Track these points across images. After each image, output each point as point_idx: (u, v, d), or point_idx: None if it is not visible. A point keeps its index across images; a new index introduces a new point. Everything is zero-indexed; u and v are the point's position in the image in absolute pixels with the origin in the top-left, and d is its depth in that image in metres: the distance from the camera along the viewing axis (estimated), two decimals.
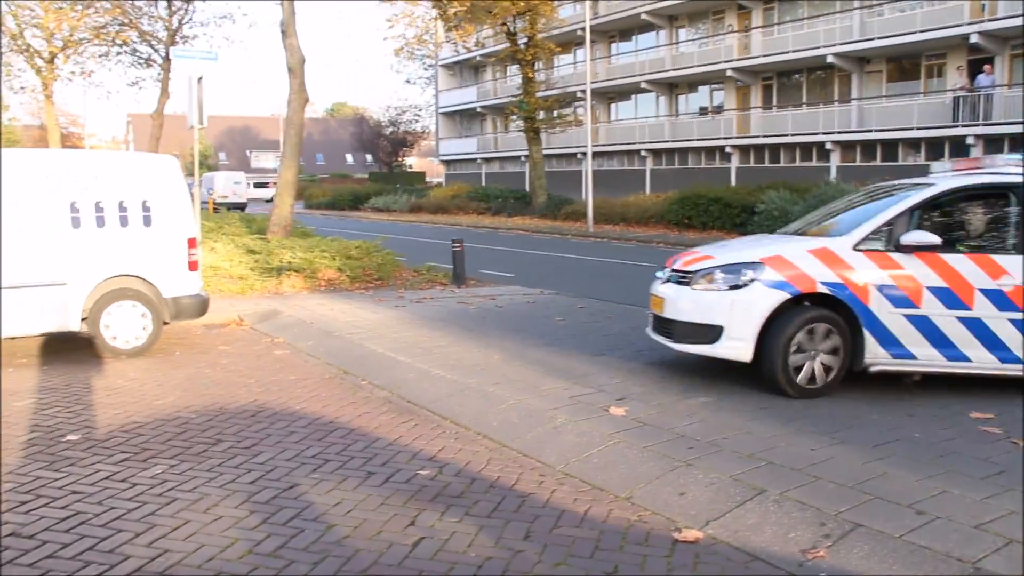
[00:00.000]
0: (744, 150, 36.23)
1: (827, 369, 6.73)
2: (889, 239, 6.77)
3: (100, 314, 8.36)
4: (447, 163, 59.47)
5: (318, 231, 19.25)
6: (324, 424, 6.23)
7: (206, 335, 9.78)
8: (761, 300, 6.70)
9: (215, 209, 35.61)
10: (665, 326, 7.29)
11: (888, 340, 6.74)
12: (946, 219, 7.18)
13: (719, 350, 6.88)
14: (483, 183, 50.06)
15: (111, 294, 8.36)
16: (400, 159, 73.71)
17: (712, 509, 4.50)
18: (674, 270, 7.37)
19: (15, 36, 33.17)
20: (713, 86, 38.87)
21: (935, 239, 6.66)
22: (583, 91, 33.66)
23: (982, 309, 6.70)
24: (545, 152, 39.86)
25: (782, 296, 6.67)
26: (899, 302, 6.70)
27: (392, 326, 9.89)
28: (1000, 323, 6.71)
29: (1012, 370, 6.79)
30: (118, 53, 36.88)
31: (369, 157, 74.35)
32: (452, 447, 5.68)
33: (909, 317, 6.73)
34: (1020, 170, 7.12)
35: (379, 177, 65.89)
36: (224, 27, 54.34)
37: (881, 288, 6.69)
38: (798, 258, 6.81)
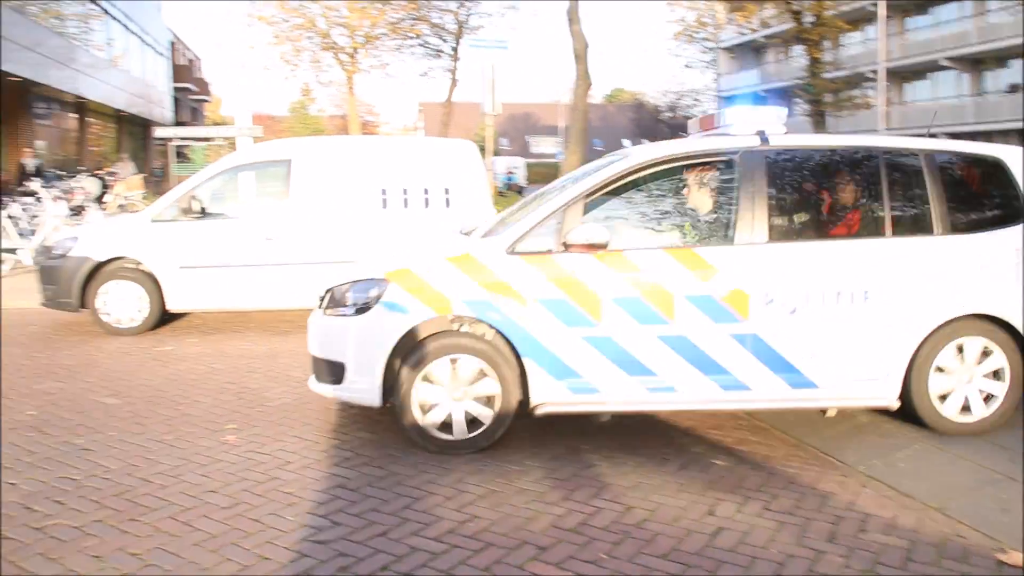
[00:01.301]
0: None
1: (490, 404, 5.25)
2: (558, 236, 5.19)
3: None
4: None
5: None
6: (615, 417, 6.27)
7: None
8: (382, 328, 5.22)
9: (499, 193, 37.13)
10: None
11: (561, 371, 5.18)
12: (631, 204, 5.47)
13: (344, 393, 5.49)
14: None
15: None
16: None
17: None
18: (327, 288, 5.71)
19: (324, 35, 36.17)
20: None
21: (602, 236, 5.07)
22: (873, 71, 31.68)
23: (688, 322, 5.15)
24: None
25: (406, 321, 5.19)
26: (573, 319, 5.13)
27: None
28: (715, 339, 5.17)
29: (734, 400, 5.29)
30: (411, 46, 39.27)
31: (647, 142, 74.24)
32: (749, 440, 5.58)
33: (589, 339, 5.16)
34: (757, 132, 5.51)
35: None
36: (507, 16, 56.31)
37: (546, 303, 5.12)
38: (432, 269, 5.25)
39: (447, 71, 38.85)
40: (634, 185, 5.43)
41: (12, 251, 12.29)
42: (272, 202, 9.21)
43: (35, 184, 13.89)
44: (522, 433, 5.46)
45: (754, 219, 5.23)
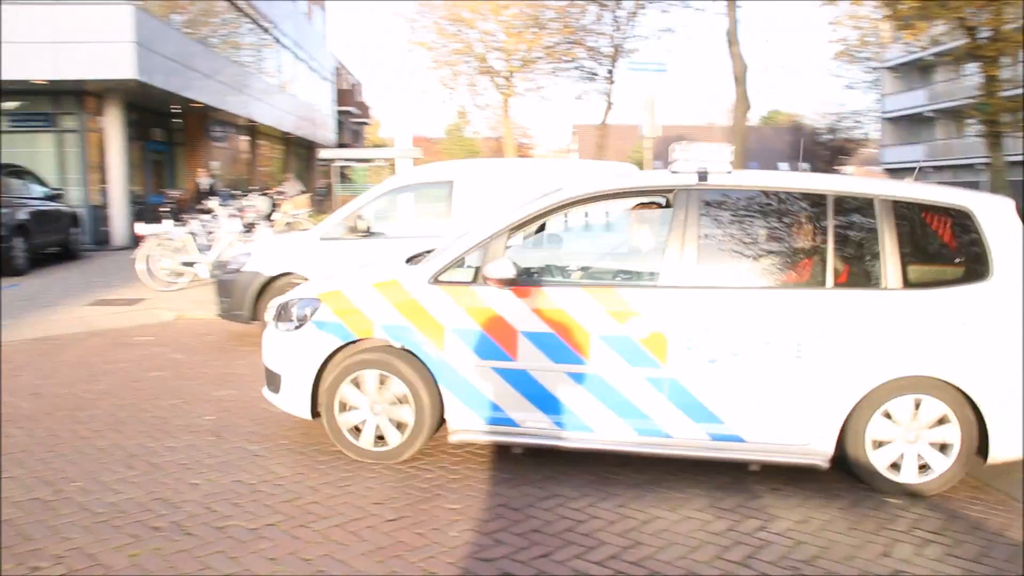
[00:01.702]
0: None
1: (402, 428, 5.35)
2: (478, 269, 5.20)
3: None
4: (891, 171, 55.75)
5: None
6: None
7: None
8: (311, 345, 5.46)
9: None
10: None
11: (476, 401, 5.21)
12: (556, 239, 5.35)
13: (281, 402, 5.71)
14: None
15: None
16: (838, 167, 70.51)
17: None
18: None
19: (481, 59, 36.96)
20: None
21: (509, 272, 5.03)
22: None
23: (603, 363, 5.00)
24: (1009, 159, 35.72)
25: (333, 341, 5.40)
26: (488, 352, 5.13)
27: None
28: (631, 382, 5.00)
29: (653, 444, 5.07)
30: (566, 69, 39.56)
31: (807, 165, 72.06)
32: None
33: (503, 372, 5.13)
34: (698, 170, 5.18)
35: None
36: (663, 39, 55.87)
37: (462, 333, 5.16)
38: (360, 294, 5.42)
39: (602, 94, 38.95)
40: (563, 219, 5.30)
41: (191, 264, 13.05)
42: (435, 222, 9.41)
43: (213, 202, 14.72)
44: (683, 460, 5.34)
45: (681, 261, 5.04)
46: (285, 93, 35.97)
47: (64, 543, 4.20)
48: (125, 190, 21.27)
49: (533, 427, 5.21)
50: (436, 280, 5.29)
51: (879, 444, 4.93)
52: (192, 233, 13.36)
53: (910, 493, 4.92)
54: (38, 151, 20.81)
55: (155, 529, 4.35)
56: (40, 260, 16.14)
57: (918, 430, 4.89)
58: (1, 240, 14.46)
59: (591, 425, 5.14)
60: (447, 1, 32.61)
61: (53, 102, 20.57)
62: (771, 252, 5.22)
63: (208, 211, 14.61)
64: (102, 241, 20.88)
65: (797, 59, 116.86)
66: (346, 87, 56.08)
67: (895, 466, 4.94)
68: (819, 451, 4.95)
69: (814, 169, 70.01)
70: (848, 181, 5.36)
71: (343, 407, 5.42)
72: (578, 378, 5.08)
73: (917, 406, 4.88)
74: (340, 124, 51.50)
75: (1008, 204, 5.07)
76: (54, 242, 16.97)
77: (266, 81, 32.84)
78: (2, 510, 4.58)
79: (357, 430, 5.44)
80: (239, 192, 21.80)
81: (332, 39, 50.62)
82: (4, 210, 14.54)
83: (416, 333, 5.26)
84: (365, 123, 65.81)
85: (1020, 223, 4.95)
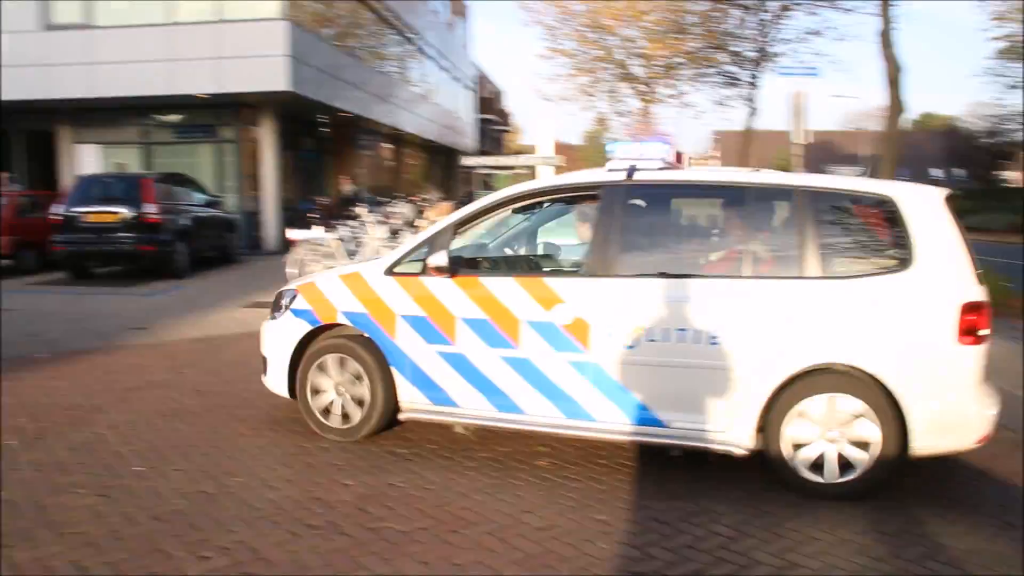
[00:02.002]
0: None
1: (359, 404, 5.87)
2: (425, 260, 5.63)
3: None
4: None
5: None
6: (953, 464, 5.60)
7: None
8: (287, 331, 6.11)
9: None
10: None
11: (423, 382, 5.69)
12: (494, 234, 6.05)
13: (268, 382, 6.37)
14: None
15: None
16: (999, 173, 66.56)
17: None
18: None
19: (622, 65, 36.80)
20: None
21: (443, 261, 5.49)
22: None
23: (531, 348, 5.32)
24: None
25: (304, 327, 6.03)
26: (432, 337, 5.61)
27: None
28: (557, 366, 5.28)
29: (580, 427, 5.33)
30: (708, 75, 38.92)
31: (962, 171, 68.38)
32: None
33: (445, 356, 5.59)
34: (627, 167, 5.45)
35: (973, 193, 60.29)
36: (811, 42, 54.33)
37: (410, 319, 5.66)
38: (328, 284, 6.03)
39: (745, 99, 38.11)
40: (503, 216, 5.89)
41: None
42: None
43: (361, 208, 15.17)
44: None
45: (605, 252, 5.28)
46: (428, 102, 36.76)
47: (228, 535, 4.38)
48: (277, 197, 22.21)
49: (472, 408, 5.61)
50: (390, 271, 5.78)
51: (796, 437, 4.91)
52: (340, 239, 13.81)
53: (833, 492, 4.89)
54: (199, 160, 22.03)
55: (312, 527, 4.49)
56: (200, 264, 17.01)
57: (836, 422, 4.84)
58: (167, 244, 15.33)
59: (523, 407, 5.46)
60: (589, 4, 32.59)
61: (213, 114, 21.71)
62: (691, 243, 5.62)
63: (355, 217, 15.07)
64: (255, 246, 21.86)
65: (953, 59, 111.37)
66: (487, 95, 56.87)
67: (812, 461, 4.91)
68: (736, 440, 5.01)
69: (971, 176, 66.45)
70: (769, 175, 5.57)
71: (315, 391, 5.99)
72: (510, 362, 5.43)
73: (839, 400, 4.82)
74: (481, 132, 52.25)
75: (935, 193, 5.00)
76: (213, 246, 17.87)
77: (410, 90, 33.66)
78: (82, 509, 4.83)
79: (327, 411, 5.98)
80: (384, 199, 22.42)
81: (474, 48, 51.39)
82: (169, 216, 15.41)
83: (371, 319, 5.78)
84: (506, 131, 66.53)
85: (946, 212, 4.88)
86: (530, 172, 28.20)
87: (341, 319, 5.90)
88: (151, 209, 15.10)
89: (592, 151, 73.13)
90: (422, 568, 4.04)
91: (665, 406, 5.12)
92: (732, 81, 38.49)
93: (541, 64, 68.29)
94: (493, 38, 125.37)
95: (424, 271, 5.63)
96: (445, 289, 5.57)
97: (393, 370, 5.75)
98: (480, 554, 4.19)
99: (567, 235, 6.91)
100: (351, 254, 13.73)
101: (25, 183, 21.62)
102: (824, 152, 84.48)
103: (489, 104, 56.29)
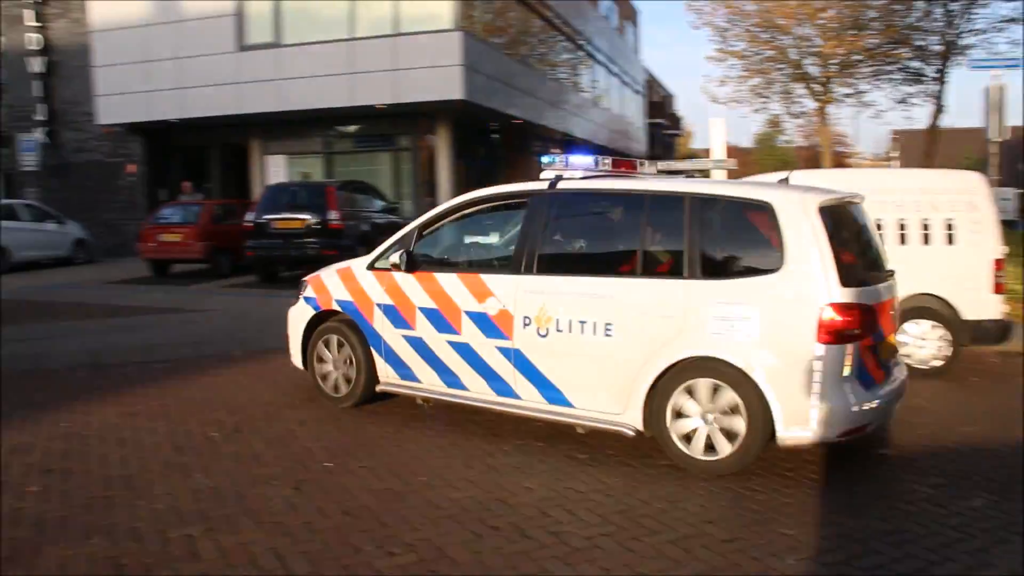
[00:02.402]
0: None
1: (348, 382, 7.03)
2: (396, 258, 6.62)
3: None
4: None
5: None
6: None
7: (1004, 363, 9.10)
8: (300, 314, 7.40)
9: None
10: None
11: (393, 360, 6.72)
12: (450, 235, 6.85)
13: (292, 357, 7.57)
14: None
15: (909, 311, 8.28)
16: None
17: None
18: None
19: (796, 65, 35.60)
20: None
21: (396, 259, 6.56)
22: None
23: (469, 334, 6.22)
24: None
25: (310, 312, 7.27)
26: (398, 322, 6.63)
27: None
28: (489, 351, 6.14)
29: (508, 404, 6.16)
30: (888, 71, 37.05)
31: None
32: None
33: (408, 339, 6.60)
34: (552, 178, 6.26)
35: None
36: (1006, 31, 50.93)
37: (383, 308, 6.72)
38: (328, 277, 7.25)
39: (929, 96, 36.06)
40: (459, 219, 6.69)
41: None
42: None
43: None
44: None
45: (525, 252, 6.05)
46: (598, 107, 36.78)
47: (414, 532, 4.48)
48: None
49: (428, 384, 6.56)
50: (371, 266, 6.88)
51: (678, 420, 5.40)
52: None
53: (701, 468, 5.35)
54: (377, 168, 22.87)
55: (494, 529, 4.53)
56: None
57: (710, 407, 5.31)
58: (349, 249, 15.96)
59: (466, 384, 6.34)
60: (761, 4, 31.69)
61: (391, 124, 22.48)
62: (596, 244, 6.30)
63: None
64: None
65: None
66: (657, 99, 56.36)
67: (695, 442, 5.36)
68: (628, 421, 5.58)
69: None
70: (668, 182, 5.98)
71: (320, 362, 7.23)
72: (454, 346, 6.33)
73: (713, 389, 5.28)
74: (651, 136, 51.81)
75: (809, 200, 5.29)
76: None
77: (580, 96, 33.76)
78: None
79: (325, 379, 7.19)
80: None
81: (643, 52, 51.05)
82: (350, 222, 16.05)
83: (355, 307, 6.92)
84: (676, 135, 65.70)
85: (818, 219, 5.15)
86: (703, 176, 27.70)
87: (335, 306, 7.09)
88: (334, 216, 15.76)
89: (764, 154, 71.17)
90: (604, 575, 4.00)
91: (572, 388, 5.82)
92: (915, 77, 36.53)
93: (711, 67, 67.19)
94: (662, 42, 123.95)
95: (393, 267, 6.62)
96: (408, 282, 6.58)
97: (372, 350, 6.82)
98: (663, 564, 4.10)
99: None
100: None
101: (213, 193, 23.12)
102: (1018, 150, 78.77)
103: (659, 108, 55.74)
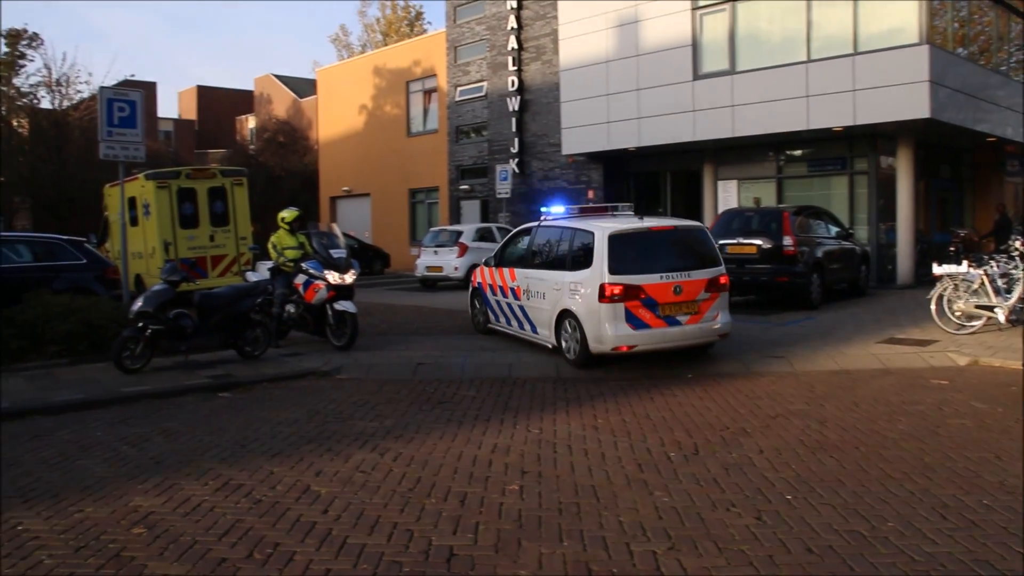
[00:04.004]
0: None
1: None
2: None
3: None
4: None
5: None
6: None
7: None
8: (470, 290, 14.31)
9: None
10: None
11: (495, 316, 13.02)
12: (509, 248, 13.00)
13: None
14: None
15: None
16: None
17: None
18: None
19: None
20: None
21: (492, 261, 13.23)
22: None
23: (510, 298, 12.22)
24: None
25: (471, 289, 14.06)
26: (495, 292, 12.80)
27: None
28: (515, 307, 12.11)
29: (536, 338, 11.59)
30: None
31: None
32: None
33: (500, 303, 12.69)
34: (544, 216, 12.37)
35: None
36: None
37: (491, 286, 13.01)
38: (479, 270, 13.80)
39: None
40: (512, 239, 13.22)
41: (988, 308, 12.33)
42: None
43: (1018, 242, 13.58)
44: None
45: (526, 257, 12.15)
46: None
47: None
48: (911, 229, 21.21)
49: (509, 327, 12.56)
50: (485, 264, 13.70)
51: (563, 339, 10.83)
52: (987, 273, 12.64)
53: (569, 361, 10.71)
54: (830, 193, 22.02)
55: None
56: (831, 295, 16.98)
57: (567, 332, 10.71)
58: (801, 276, 15.61)
59: (511, 325, 12.46)
60: None
61: (847, 146, 21.55)
62: (546, 254, 11.72)
63: (1006, 251, 13.66)
64: (886, 279, 21.11)
65: None
66: None
67: (568, 348, 10.73)
68: (551, 341, 11.06)
69: None
70: (580, 221, 11.45)
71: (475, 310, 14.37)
72: (507, 304, 12.48)
73: (570, 324, 10.57)
74: None
75: (609, 228, 10.26)
76: (844, 279, 17.69)
77: None
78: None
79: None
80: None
81: None
82: (804, 248, 15.67)
83: (482, 285, 13.49)
84: None
85: (605, 240, 10.10)
86: None
87: (476, 283, 13.63)
88: (788, 241, 15.49)
89: None
90: None
91: (538, 325, 11.47)
92: None
93: None
94: None
95: (491, 265, 13.05)
96: (498, 273, 12.72)
97: (488, 312, 13.22)
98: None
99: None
100: (999, 292, 12.50)
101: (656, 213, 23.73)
102: None
103: None
